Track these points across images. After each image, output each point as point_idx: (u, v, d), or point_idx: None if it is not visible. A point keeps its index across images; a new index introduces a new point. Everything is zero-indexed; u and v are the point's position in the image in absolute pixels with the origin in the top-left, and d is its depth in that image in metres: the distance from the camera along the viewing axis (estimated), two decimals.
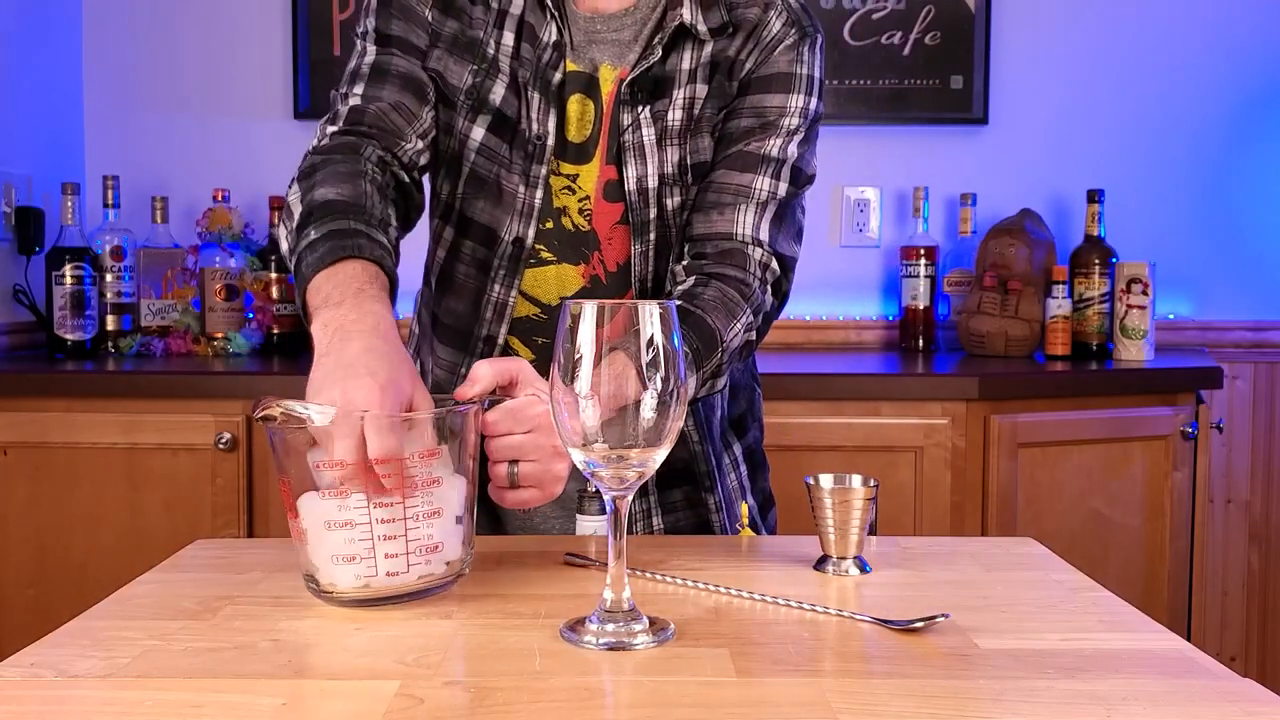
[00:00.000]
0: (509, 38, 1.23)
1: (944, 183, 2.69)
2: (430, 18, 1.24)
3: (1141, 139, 2.71)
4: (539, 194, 1.23)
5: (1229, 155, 2.72)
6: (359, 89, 1.22)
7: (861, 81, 2.65)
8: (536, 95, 1.22)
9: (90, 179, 2.65)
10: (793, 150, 1.23)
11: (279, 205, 2.53)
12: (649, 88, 1.23)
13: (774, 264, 1.22)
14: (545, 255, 1.25)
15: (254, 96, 2.68)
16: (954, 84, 2.66)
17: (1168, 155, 2.71)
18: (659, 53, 1.22)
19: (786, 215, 1.24)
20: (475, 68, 1.23)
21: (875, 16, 2.66)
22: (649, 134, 1.22)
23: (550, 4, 1.22)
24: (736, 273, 1.19)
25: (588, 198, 1.24)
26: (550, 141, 1.22)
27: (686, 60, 1.23)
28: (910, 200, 2.65)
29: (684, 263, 1.23)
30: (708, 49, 1.23)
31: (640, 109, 1.22)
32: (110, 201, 2.48)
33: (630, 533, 1.29)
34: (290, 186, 1.16)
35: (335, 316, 0.95)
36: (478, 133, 1.24)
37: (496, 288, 1.25)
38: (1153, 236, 2.67)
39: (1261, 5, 2.70)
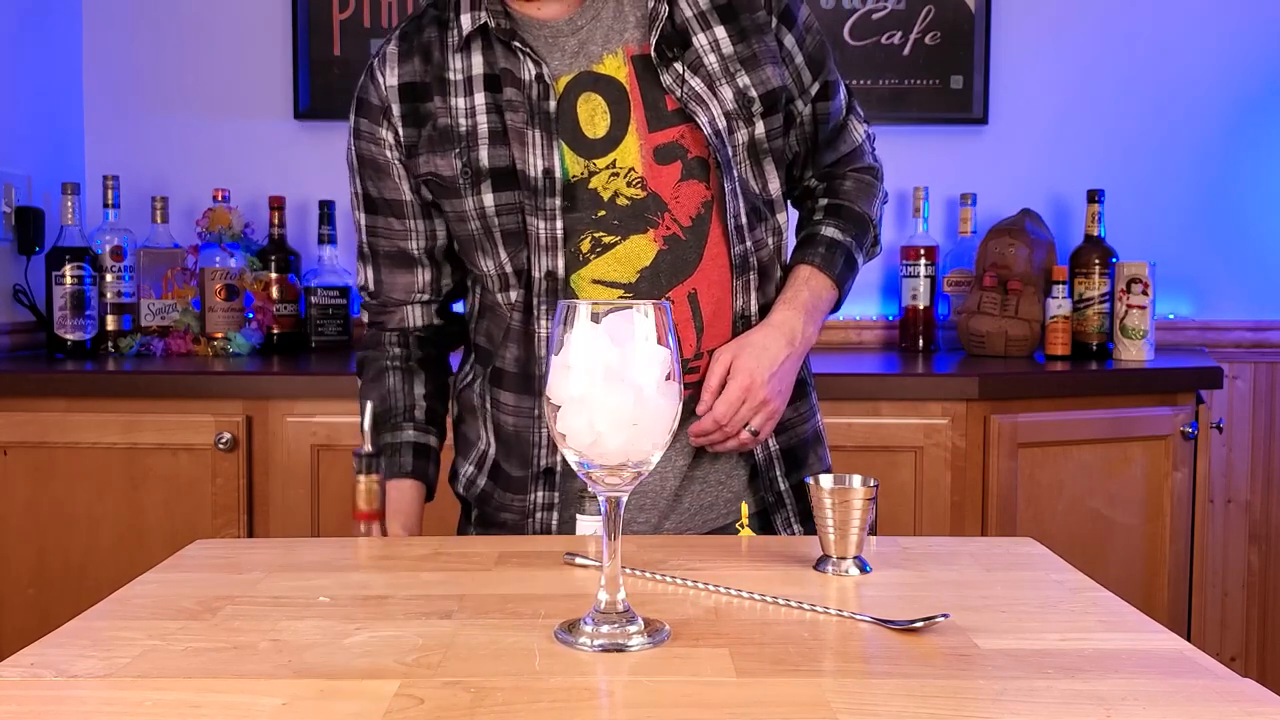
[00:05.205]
0: (481, 99, 1.29)
1: (944, 183, 2.69)
2: (403, 139, 1.33)
3: (1141, 139, 2.71)
4: (559, 224, 1.27)
5: (1229, 155, 2.72)
6: (367, 272, 1.42)
7: (861, 81, 2.65)
8: (538, 133, 1.26)
9: (90, 179, 2.65)
10: (833, 70, 1.40)
11: (279, 205, 2.54)
12: (676, 42, 1.28)
13: (869, 129, 1.45)
14: (608, 240, 1.28)
15: (254, 96, 2.68)
16: (954, 84, 2.66)
17: (1168, 155, 2.71)
18: (665, 8, 1.27)
19: (851, 92, 1.44)
20: (457, 149, 1.30)
21: (875, 16, 2.65)
22: (698, 83, 1.28)
23: (518, 45, 1.26)
24: (860, 163, 1.44)
25: (632, 169, 1.28)
26: (558, 174, 1.26)
27: (688, 8, 1.29)
28: (910, 200, 2.65)
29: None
30: None
31: (677, 64, 1.28)
32: (110, 201, 2.48)
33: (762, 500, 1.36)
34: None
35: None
36: (488, 199, 1.29)
37: (544, 322, 1.29)
38: (1153, 236, 2.67)
39: (1261, 6, 2.70)
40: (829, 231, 1.37)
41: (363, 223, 1.40)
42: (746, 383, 1.25)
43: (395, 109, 1.32)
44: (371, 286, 1.42)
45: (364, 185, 1.38)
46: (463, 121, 1.29)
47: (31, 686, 0.75)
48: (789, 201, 1.44)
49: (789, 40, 1.33)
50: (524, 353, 1.32)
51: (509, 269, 1.30)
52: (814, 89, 1.37)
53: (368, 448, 1.16)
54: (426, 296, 1.41)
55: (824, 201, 1.41)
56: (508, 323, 1.33)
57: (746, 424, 1.27)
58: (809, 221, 1.41)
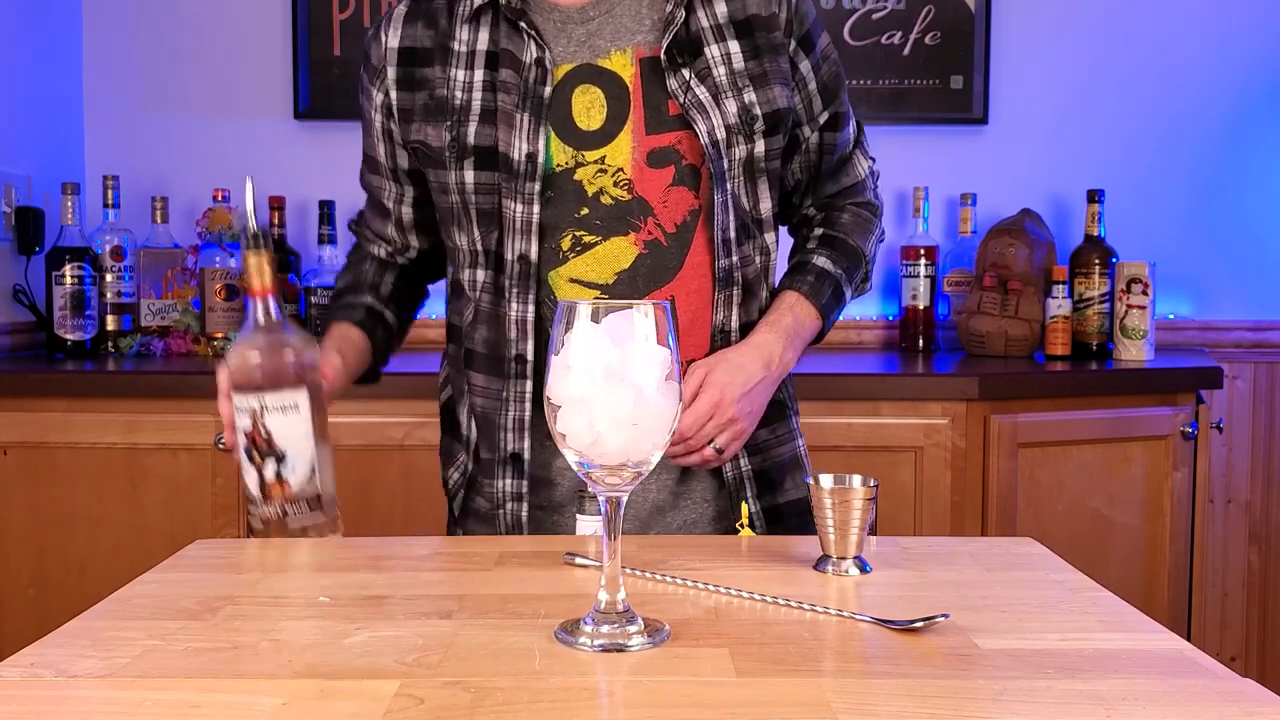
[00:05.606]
0: (480, 75, 1.29)
1: (944, 183, 2.69)
2: (395, 102, 1.33)
3: (1141, 139, 2.71)
4: (535, 209, 1.26)
5: (1229, 155, 2.72)
6: (363, 201, 1.50)
7: (861, 81, 2.65)
8: (527, 116, 1.26)
9: (90, 179, 2.65)
10: (846, 103, 1.40)
11: (279, 205, 2.54)
12: (688, 50, 1.28)
13: (874, 165, 1.46)
14: (588, 239, 1.28)
15: (254, 96, 2.68)
16: (954, 84, 2.66)
17: (1168, 155, 2.71)
18: (682, 14, 1.27)
19: (860, 127, 1.46)
20: (449, 122, 1.29)
21: (875, 16, 2.66)
22: (703, 92, 1.27)
23: (524, 26, 1.26)
24: (860, 198, 1.44)
25: (621, 170, 1.27)
26: (541, 159, 1.26)
27: (705, 19, 1.29)
28: (910, 200, 2.65)
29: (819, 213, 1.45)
30: (721, 7, 1.30)
31: (684, 71, 1.27)
32: (110, 201, 2.48)
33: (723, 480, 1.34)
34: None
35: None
36: (469, 175, 1.29)
37: (515, 305, 1.28)
38: (1153, 236, 2.67)
39: (1261, 6, 2.70)
40: (820, 261, 1.37)
41: (361, 166, 1.45)
42: (716, 398, 1.24)
43: (390, 71, 1.33)
44: (365, 213, 1.49)
45: (363, 133, 1.42)
46: (458, 95, 1.29)
47: (31, 686, 0.75)
48: (786, 228, 1.45)
49: (805, 66, 1.33)
50: (493, 334, 1.31)
51: (479, 247, 1.30)
52: (823, 117, 1.36)
53: (253, 225, 1.18)
54: (391, 249, 1.46)
55: (819, 232, 1.41)
56: (475, 303, 1.33)
57: (711, 440, 1.25)
58: (802, 249, 1.40)
